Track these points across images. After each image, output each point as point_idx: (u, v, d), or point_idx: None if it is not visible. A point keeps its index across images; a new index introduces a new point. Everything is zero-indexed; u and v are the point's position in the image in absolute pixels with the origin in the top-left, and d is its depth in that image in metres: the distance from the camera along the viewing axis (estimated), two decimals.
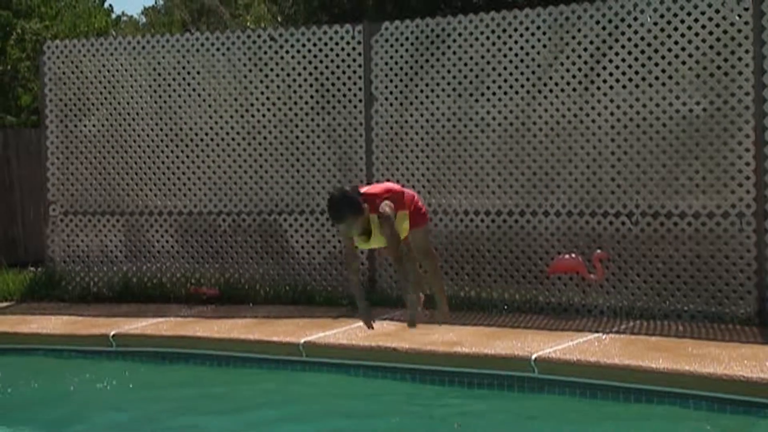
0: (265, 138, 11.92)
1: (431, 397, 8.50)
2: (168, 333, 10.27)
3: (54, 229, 12.82)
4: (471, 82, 10.87)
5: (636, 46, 10.03)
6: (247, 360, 9.68)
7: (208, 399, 8.62)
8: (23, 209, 16.77)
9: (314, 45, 11.63)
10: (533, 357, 8.47)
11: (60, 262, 12.79)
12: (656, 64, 9.94)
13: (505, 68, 10.67)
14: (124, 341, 10.24)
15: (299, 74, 11.72)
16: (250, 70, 11.94)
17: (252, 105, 11.95)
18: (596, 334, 9.30)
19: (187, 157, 12.24)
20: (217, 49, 12.05)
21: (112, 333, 10.35)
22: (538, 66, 10.53)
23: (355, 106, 11.48)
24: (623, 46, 10.08)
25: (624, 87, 10.10)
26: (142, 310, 11.54)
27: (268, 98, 11.88)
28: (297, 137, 11.80)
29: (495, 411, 7.67)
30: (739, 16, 9.56)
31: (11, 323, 11.11)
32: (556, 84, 10.45)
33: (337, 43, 11.53)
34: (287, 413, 8.18)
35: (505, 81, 10.68)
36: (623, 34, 10.09)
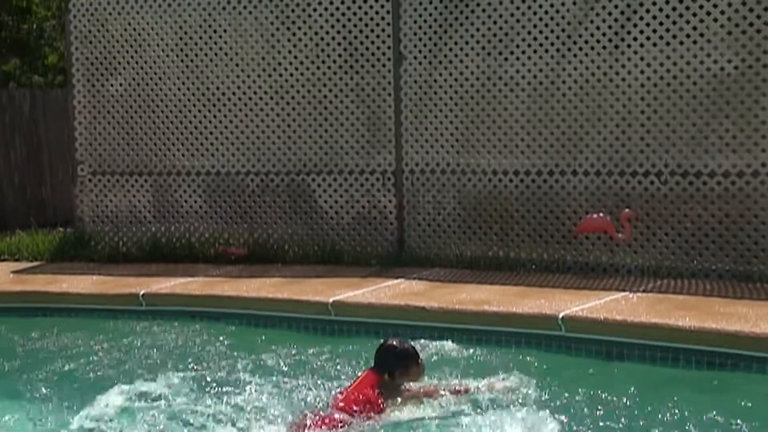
0: (293, 98, 11.89)
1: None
2: (197, 292, 10.33)
3: (82, 190, 12.89)
4: (500, 41, 10.79)
5: (667, 2, 9.90)
6: (276, 319, 9.73)
7: (242, 358, 8.59)
8: (52, 170, 16.86)
9: (342, 3, 11.54)
10: (561, 315, 8.49)
11: (89, 223, 12.88)
12: (687, 22, 9.83)
13: (534, 26, 10.58)
14: (153, 301, 10.32)
15: (327, 33, 11.66)
16: (278, 29, 11.88)
17: (280, 64, 11.91)
18: (624, 293, 9.29)
19: (215, 116, 12.25)
20: (245, 8, 12.00)
21: (142, 293, 10.41)
22: (568, 24, 10.44)
23: (384, 65, 11.42)
24: (654, 3, 9.96)
25: (654, 45, 10.00)
26: (171, 270, 11.60)
27: (296, 57, 11.84)
28: (325, 96, 11.76)
29: (523, 369, 7.66)
30: None
31: (42, 283, 11.21)
32: (586, 42, 10.35)
33: (365, 1, 11.45)
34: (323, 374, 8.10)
35: (535, 39, 10.59)
36: None
